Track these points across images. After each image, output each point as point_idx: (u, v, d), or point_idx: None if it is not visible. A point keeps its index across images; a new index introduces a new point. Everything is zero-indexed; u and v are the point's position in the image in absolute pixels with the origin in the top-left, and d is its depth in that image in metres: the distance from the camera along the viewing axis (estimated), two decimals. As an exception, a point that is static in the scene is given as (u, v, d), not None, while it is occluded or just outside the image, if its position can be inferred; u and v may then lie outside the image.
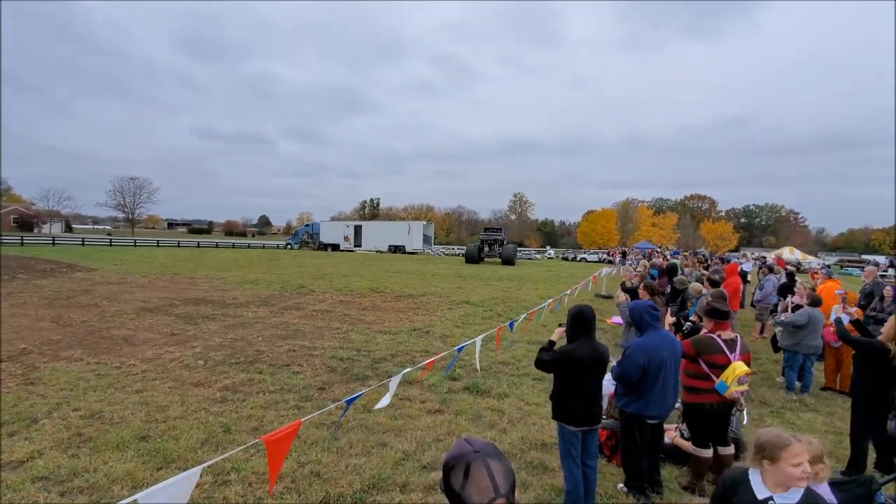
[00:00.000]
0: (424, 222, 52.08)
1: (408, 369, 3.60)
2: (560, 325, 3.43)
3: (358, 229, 49.15)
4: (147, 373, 5.97)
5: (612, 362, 3.55)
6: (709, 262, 16.03)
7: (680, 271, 10.69)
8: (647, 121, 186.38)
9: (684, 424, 4.07)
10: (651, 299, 4.66)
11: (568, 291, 10.93)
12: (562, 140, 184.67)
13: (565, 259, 54.69)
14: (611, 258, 43.94)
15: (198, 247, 43.54)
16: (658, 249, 36.24)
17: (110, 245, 38.67)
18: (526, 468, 3.92)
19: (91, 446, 3.95)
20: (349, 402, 2.90)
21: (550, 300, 8.94)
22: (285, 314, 10.36)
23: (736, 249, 69.42)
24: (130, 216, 74.95)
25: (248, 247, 49.47)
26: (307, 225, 54.75)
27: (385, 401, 3.34)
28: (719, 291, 5.41)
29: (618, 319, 7.52)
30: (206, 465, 2.10)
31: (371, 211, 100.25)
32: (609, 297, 15.16)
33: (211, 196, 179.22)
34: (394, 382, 3.31)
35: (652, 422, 3.43)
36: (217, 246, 46.98)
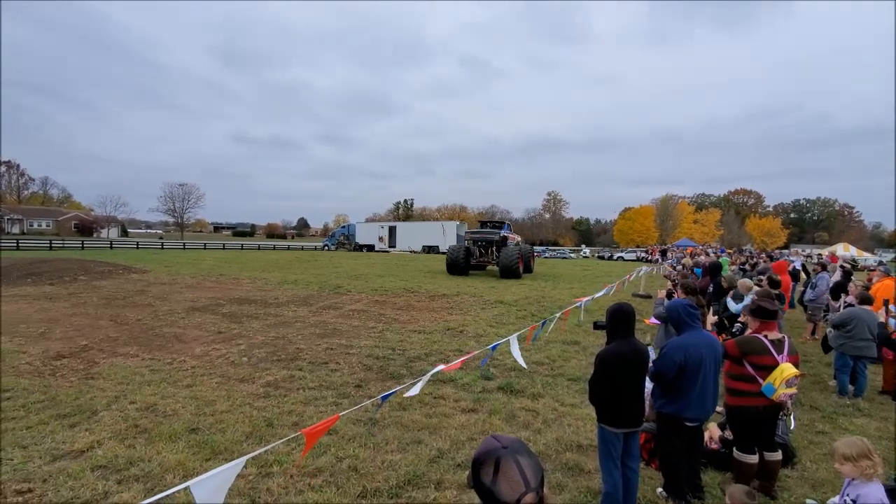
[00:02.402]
0: (458, 222, 52.23)
1: (441, 367, 3.62)
2: (596, 326, 3.37)
3: (392, 230, 49.90)
4: (196, 369, 6.30)
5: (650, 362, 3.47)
6: (754, 259, 15.26)
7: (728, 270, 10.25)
8: (676, 115, 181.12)
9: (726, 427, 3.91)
10: (689, 298, 4.49)
11: (602, 292, 10.68)
12: (588, 137, 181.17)
13: (601, 258, 53.45)
14: (649, 256, 42.59)
15: (241, 249, 45.39)
16: (701, 247, 34.71)
17: (162, 248, 40.99)
18: (561, 469, 3.88)
19: (146, 437, 4.20)
20: (384, 398, 2.96)
21: (587, 298, 8.77)
22: (323, 313, 10.66)
23: (785, 246, 65.77)
24: (180, 220, 79.22)
25: (288, 248, 51.15)
26: (343, 226, 56.14)
27: (415, 390, 3.37)
28: (765, 290, 5.16)
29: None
30: (249, 456, 2.21)
31: (405, 212, 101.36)
32: (648, 297, 14.71)
33: (251, 199, 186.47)
34: (426, 376, 3.36)
35: (691, 424, 3.31)
36: (259, 248, 48.82)
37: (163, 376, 5.93)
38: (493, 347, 4.52)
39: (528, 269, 22.08)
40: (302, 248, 51.95)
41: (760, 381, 3.38)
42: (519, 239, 24.75)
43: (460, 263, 20.32)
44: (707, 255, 16.97)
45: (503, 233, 21.88)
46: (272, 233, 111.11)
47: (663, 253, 38.32)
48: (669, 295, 6.12)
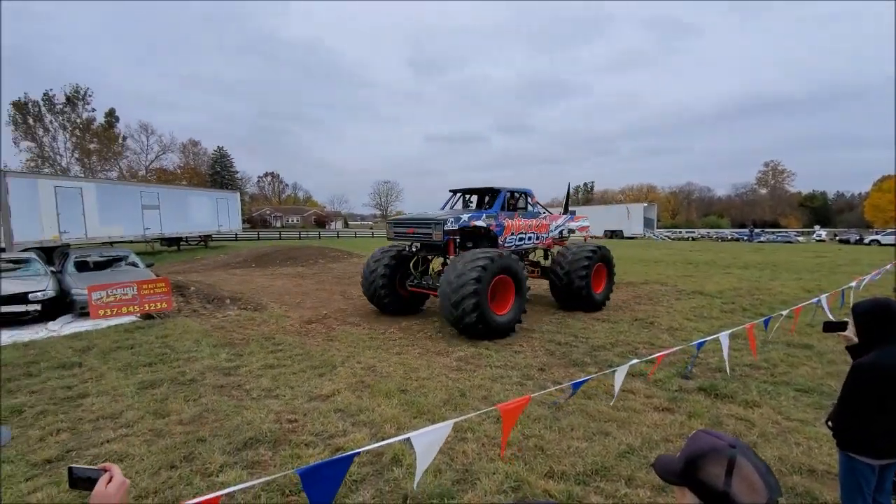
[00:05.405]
0: (645, 204, 47.72)
1: (634, 361, 3.44)
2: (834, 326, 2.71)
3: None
4: (402, 339, 7.36)
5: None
6: None
7: None
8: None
9: None
10: None
11: (853, 283, 8.38)
12: (817, 89, 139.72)
13: (843, 241, 41.68)
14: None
15: (430, 236, 50.48)
16: None
17: (372, 237, 48.61)
18: (787, 494, 3.28)
19: (369, 392, 5.13)
20: (576, 385, 2.98)
21: (825, 294, 7.02)
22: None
23: None
24: (384, 213, 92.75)
25: (470, 235, 54.57)
26: (521, 212, 56.79)
27: (615, 395, 3.27)
28: None
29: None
30: (455, 421, 2.53)
31: (585, 195, 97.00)
32: (928, 294, 10.94)
33: (440, 193, 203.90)
34: (619, 376, 3.23)
35: None
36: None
37: (378, 343, 7.11)
38: (700, 345, 4.04)
39: (589, 301, 9.44)
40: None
41: None
42: (549, 221, 10.33)
43: (379, 292, 9.04)
44: None
45: (475, 218, 8.43)
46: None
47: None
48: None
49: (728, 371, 5.46)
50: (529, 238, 9.62)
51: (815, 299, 7.16)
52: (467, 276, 6.97)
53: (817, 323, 7.58)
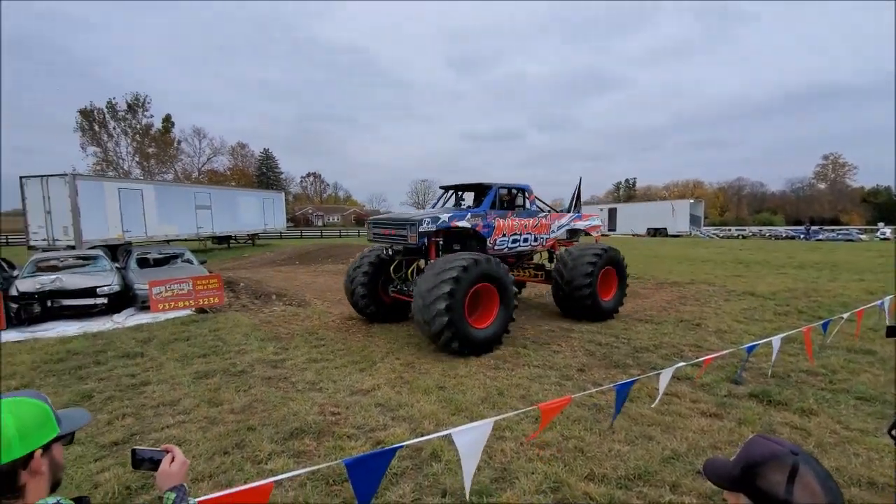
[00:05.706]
0: (691, 200, 45.87)
1: (680, 363, 3.34)
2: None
3: (612, 212, 47.37)
4: (439, 337, 7.43)
5: None
6: None
7: None
8: None
9: None
10: None
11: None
12: (886, 75, 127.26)
13: (916, 239, 38.32)
14: None
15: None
16: None
17: (406, 234, 49.15)
18: (846, 507, 3.11)
19: (408, 388, 5.23)
20: (620, 388, 2.94)
21: (889, 297, 6.52)
22: (545, 295, 10.99)
23: None
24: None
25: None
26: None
27: (658, 397, 3.19)
28: None
29: None
30: (495, 419, 2.56)
31: (627, 192, 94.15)
32: None
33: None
34: (664, 379, 3.15)
35: None
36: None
37: (416, 341, 7.22)
38: (750, 349, 3.87)
39: (595, 310, 8.36)
40: (520, 233, 54.27)
41: None
42: (551, 220, 9.35)
43: (359, 293, 8.33)
44: None
45: (458, 218, 7.63)
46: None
47: None
48: None
49: (769, 375, 5.20)
50: (525, 240, 8.65)
51: (878, 302, 6.66)
52: (439, 280, 6.23)
53: (881, 327, 7.06)
